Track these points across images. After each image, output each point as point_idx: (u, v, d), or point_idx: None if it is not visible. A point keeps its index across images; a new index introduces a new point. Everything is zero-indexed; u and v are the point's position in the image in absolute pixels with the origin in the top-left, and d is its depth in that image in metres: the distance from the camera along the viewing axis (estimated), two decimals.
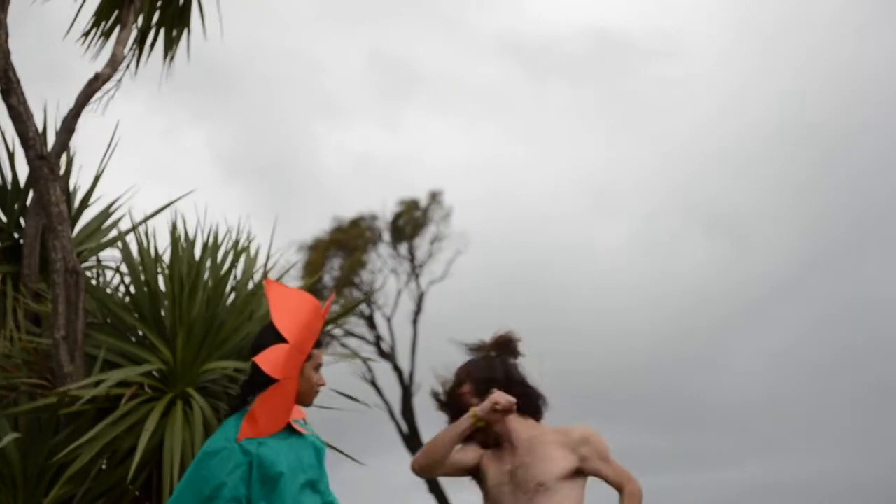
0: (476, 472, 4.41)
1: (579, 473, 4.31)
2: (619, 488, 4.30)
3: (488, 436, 4.37)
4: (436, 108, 31.10)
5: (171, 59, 7.17)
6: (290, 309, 3.90)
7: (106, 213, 6.79)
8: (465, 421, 4.29)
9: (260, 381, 3.86)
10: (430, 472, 4.36)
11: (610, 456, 4.34)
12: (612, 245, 28.46)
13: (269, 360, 3.82)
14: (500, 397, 4.26)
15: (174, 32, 7.09)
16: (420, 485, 23.53)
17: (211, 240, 6.04)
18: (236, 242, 6.12)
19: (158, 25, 7.08)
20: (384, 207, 26.16)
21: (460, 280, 25.47)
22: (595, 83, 30.36)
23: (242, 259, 6.14)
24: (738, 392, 27.40)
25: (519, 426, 4.37)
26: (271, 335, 3.87)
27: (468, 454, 4.39)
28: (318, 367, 3.97)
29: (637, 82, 29.41)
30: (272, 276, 6.21)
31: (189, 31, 7.14)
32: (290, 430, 3.96)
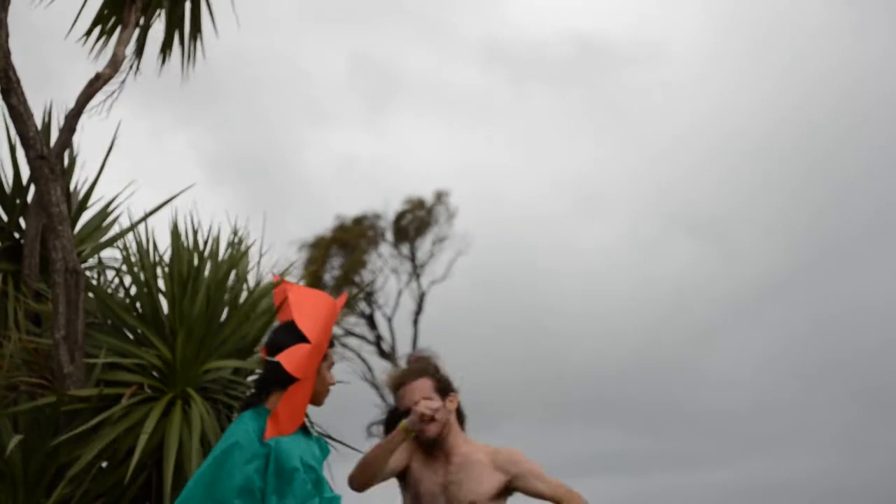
0: (402, 474, 4.55)
1: (505, 493, 4.48)
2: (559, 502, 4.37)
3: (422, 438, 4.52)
4: (419, 111, 31.21)
5: (192, 59, 7.15)
6: (310, 309, 3.95)
7: (105, 213, 6.79)
8: (397, 435, 4.43)
9: (278, 380, 3.88)
10: (367, 486, 4.50)
11: (544, 473, 4.48)
12: (596, 249, 28.54)
13: (292, 359, 3.85)
14: (425, 408, 4.33)
15: (183, 33, 7.08)
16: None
17: (211, 239, 6.05)
18: (238, 242, 6.13)
19: (169, 27, 7.06)
20: (387, 207, 26.18)
21: (454, 281, 25.53)
22: (578, 88, 30.50)
23: (243, 259, 6.14)
24: (723, 396, 27.47)
25: (456, 440, 4.54)
26: (292, 335, 3.90)
27: (398, 459, 4.53)
28: (331, 366, 4.04)
29: (620, 87, 29.51)
30: (271, 275, 6.22)
31: (217, 26, 7.13)
32: (302, 429, 4.00)
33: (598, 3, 32.79)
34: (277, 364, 3.86)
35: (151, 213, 6.37)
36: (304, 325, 3.88)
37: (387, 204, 26.23)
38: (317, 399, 4.01)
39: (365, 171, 30.08)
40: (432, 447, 4.49)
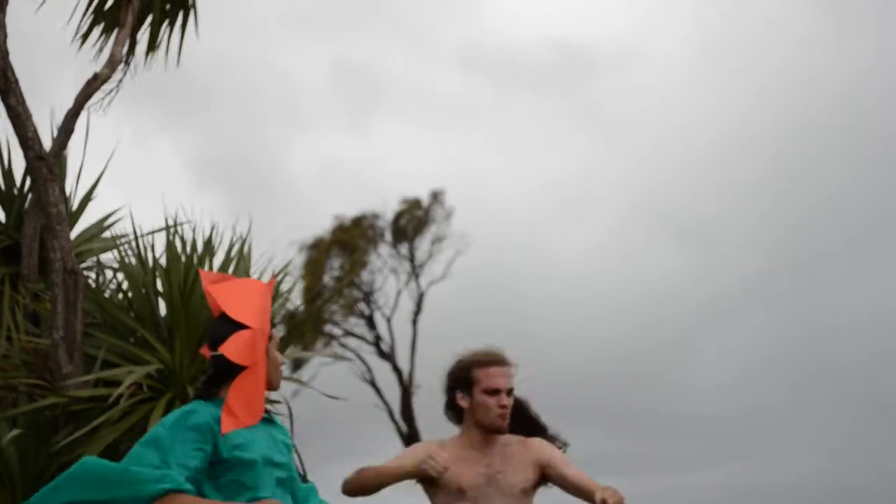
0: (425, 478, 4.36)
1: (538, 485, 4.41)
2: (589, 493, 4.30)
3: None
4: (401, 116, 31.23)
5: (177, 55, 7.15)
6: (240, 295, 3.88)
7: (105, 218, 6.79)
8: (405, 466, 4.29)
9: (226, 373, 3.81)
10: (359, 496, 4.39)
11: (570, 462, 4.40)
12: (581, 253, 28.56)
13: (235, 348, 3.79)
14: (437, 463, 4.23)
15: (170, 33, 7.07)
16: (418, 486, 23.53)
17: (206, 242, 6.04)
18: (239, 244, 6.12)
19: (157, 29, 7.05)
20: (385, 207, 26.19)
21: (452, 282, 25.58)
22: (561, 94, 30.49)
23: (240, 260, 6.14)
24: (708, 400, 27.54)
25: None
26: (228, 324, 3.83)
27: (406, 462, 4.36)
28: (276, 345, 3.95)
29: (604, 93, 29.53)
30: (269, 276, 6.21)
31: (199, 31, 7.12)
32: (264, 418, 3.94)
33: (580, 9, 32.84)
34: (222, 357, 3.81)
35: (149, 233, 6.31)
36: (238, 312, 3.83)
37: (385, 204, 26.24)
38: (272, 383, 3.91)
39: (349, 173, 30.18)
40: (484, 439, 4.39)
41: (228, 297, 3.87)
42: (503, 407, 4.36)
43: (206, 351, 3.86)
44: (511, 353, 4.51)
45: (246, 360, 3.79)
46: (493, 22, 31.39)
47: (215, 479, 3.73)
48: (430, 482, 4.38)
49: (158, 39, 7.03)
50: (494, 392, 4.36)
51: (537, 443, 4.46)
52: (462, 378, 4.42)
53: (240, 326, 3.80)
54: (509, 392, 4.39)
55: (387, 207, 26.20)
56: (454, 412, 4.48)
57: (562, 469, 4.36)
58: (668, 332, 28.10)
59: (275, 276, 4.25)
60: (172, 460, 3.61)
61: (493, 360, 4.41)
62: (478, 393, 4.39)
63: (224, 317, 3.83)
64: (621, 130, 29.65)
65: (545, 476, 4.41)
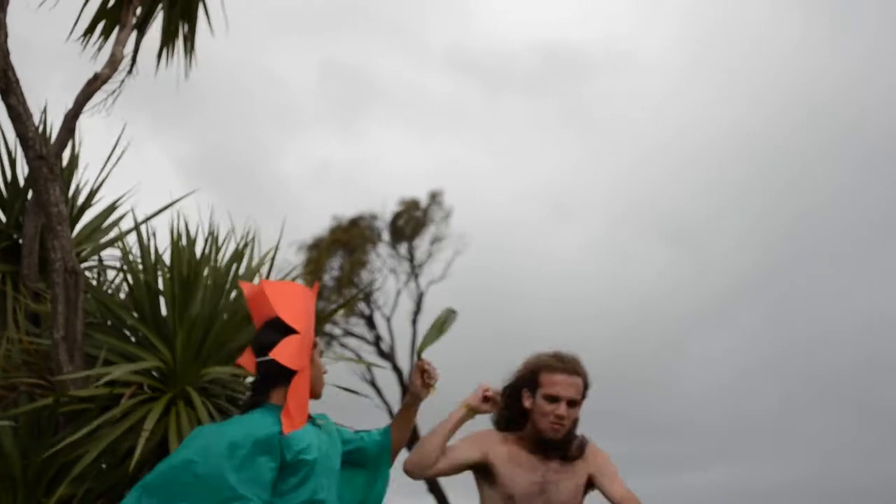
0: (484, 471, 4.33)
1: (587, 489, 4.35)
2: None
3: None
4: (393, 118, 31.33)
5: (190, 59, 7.13)
6: (289, 300, 3.95)
7: (106, 214, 6.79)
8: (457, 412, 4.28)
9: (276, 378, 3.87)
10: (424, 471, 4.29)
11: (617, 473, 4.33)
12: (572, 255, 28.62)
13: (285, 353, 3.84)
14: (488, 384, 4.26)
15: (180, 32, 7.05)
16: (419, 485, 23.54)
17: (211, 240, 6.04)
18: (242, 244, 6.12)
19: (167, 25, 7.04)
20: (384, 207, 26.21)
21: (451, 282, 25.62)
22: (552, 98, 30.59)
23: (243, 259, 6.14)
24: (702, 402, 27.58)
25: None
26: (276, 330, 3.89)
27: (467, 451, 4.33)
28: (320, 353, 4.03)
29: (594, 96, 29.61)
30: (272, 276, 6.21)
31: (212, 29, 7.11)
32: (312, 422, 3.99)
33: (571, 13, 32.98)
34: (271, 362, 3.85)
35: (153, 215, 6.36)
36: (289, 317, 3.88)
37: (384, 205, 26.25)
38: (315, 389, 3.99)
39: (342, 176, 30.31)
40: (546, 448, 4.29)
41: (279, 300, 3.94)
42: (559, 417, 4.26)
43: (246, 360, 3.93)
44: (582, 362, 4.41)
45: (296, 365, 3.85)
46: (484, 25, 31.51)
47: (277, 485, 3.79)
48: (485, 477, 4.30)
49: (162, 41, 7.03)
50: (554, 399, 4.28)
51: (593, 449, 4.36)
52: (529, 378, 4.36)
53: (287, 332, 3.85)
54: (571, 403, 4.28)
55: (385, 208, 26.23)
56: (516, 410, 4.38)
57: (605, 483, 4.29)
58: (662, 334, 28.17)
59: (319, 282, 4.32)
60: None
61: (562, 366, 4.32)
62: (539, 397, 4.31)
63: (271, 323, 3.89)
64: (614, 133, 29.75)
65: (592, 483, 4.33)
